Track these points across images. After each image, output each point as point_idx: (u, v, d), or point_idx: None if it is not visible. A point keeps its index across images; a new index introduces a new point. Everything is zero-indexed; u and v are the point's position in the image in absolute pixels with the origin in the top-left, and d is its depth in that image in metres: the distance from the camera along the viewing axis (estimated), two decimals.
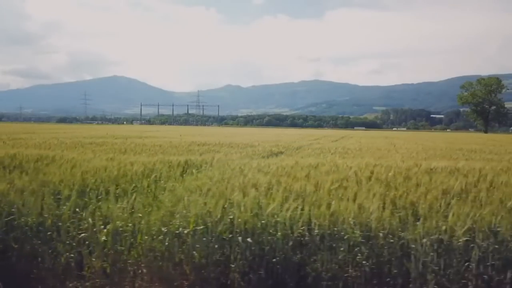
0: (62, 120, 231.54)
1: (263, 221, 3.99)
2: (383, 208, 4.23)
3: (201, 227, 3.97)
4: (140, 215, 4.13)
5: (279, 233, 3.95)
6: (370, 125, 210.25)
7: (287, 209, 4.01)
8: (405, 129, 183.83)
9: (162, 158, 7.51)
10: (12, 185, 4.64)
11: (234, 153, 11.94)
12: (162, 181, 5.55)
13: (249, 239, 3.89)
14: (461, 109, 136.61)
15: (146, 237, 3.96)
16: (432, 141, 30.02)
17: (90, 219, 4.03)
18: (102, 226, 4.05)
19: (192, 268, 3.96)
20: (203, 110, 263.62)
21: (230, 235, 3.96)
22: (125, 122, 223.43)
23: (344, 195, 4.61)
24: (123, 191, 5.04)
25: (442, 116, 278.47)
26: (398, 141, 28.60)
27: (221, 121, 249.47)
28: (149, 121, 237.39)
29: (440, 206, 4.35)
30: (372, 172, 6.21)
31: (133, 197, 4.38)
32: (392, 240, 3.91)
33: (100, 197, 4.73)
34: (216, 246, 3.95)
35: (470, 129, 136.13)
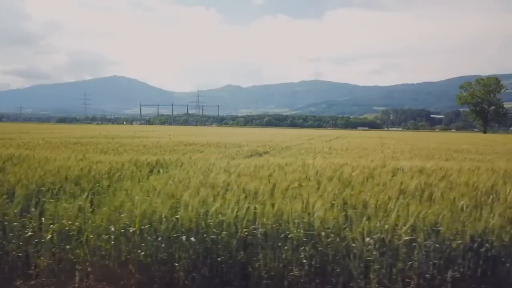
0: (62, 120, 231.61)
1: (208, 221, 4.01)
2: (332, 207, 4.26)
3: (147, 226, 3.99)
4: (89, 214, 4.16)
5: (224, 232, 3.98)
6: (372, 125, 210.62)
7: (233, 208, 4.03)
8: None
9: (133, 157, 7.52)
10: None
11: (216, 153, 11.96)
12: (124, 181, 5.57)
13: (192, 238, 3.92)
14: (461, 109, 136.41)
15: (91, 236, 3.98)
16: (425, 141, 29.99)
17: (37, 218, 4.05)
18: (51, 225, 4.07)
19: (138, 267, 3.99)
20: (202, 110, 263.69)
21: (175, 234, 3.99)
22: (124, 122, 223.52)
23: (297, 195, 4.63)
24: (82, 190, 5.06)
25: (442, 116, 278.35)
26: (390, 141, 28.60)
27: (221, 121, 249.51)
28: (148, 121, 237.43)
29: (389, 205, 4.36)
30: (336, 172, 6.23)
31: (84, 196, 4.40)
32: (335, 239, 3.93)
33: (57, 196, 4.76)
34: (162, 245, 3.98)
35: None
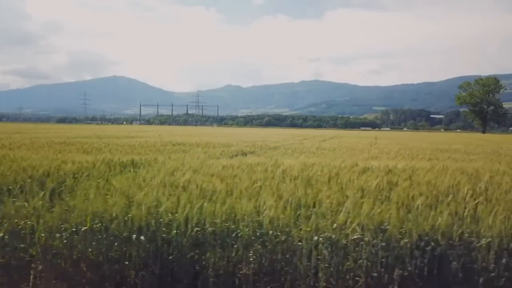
0: (62, 120, 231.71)
1: (159, 219, 4.04)
2: (285, 206, 4.29)
3: (98, 225, 4.03)
4: (43, 213, 4.19)
5: (174, 231, 4.01)
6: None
7: (184, 208, 4.07)
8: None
9: (106, 157, 7.56)
10: None
11: (201, 153, 12.00)
12: (88, 181, 5.60)
13: (142, 237, 3.95)
14: (461, 109, 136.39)
15: (42, 234, 4.02)
16: (419, 141, 30.01)
17: None
18: (4, 224, 4.11)
19: (89, 266, 4.02)
20: (202, 110, 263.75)
21: (126, 233, 4.02)
22: (124, 123, 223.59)
23: (255, 194, 4.67)
24: (46, 189, 5.09)
25: (442, 116, 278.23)
26: (384, 141, 28.64)
27: (221, 121, 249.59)
28: (148, 121, 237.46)
29: (345, 204, 4.39)
30: (303, 172, 6.27)
31: (41, 195, 4.44)
32: (283, 238, 3.96)
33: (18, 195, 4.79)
34: (113, 243, 4.01)
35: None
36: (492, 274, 3.92)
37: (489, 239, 3.90)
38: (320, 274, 3.94)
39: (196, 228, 4.06)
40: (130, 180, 5.29)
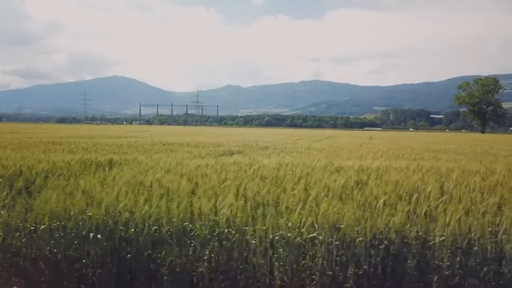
0: (62, 120, 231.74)
1: (117, 218, 4.08)
2: (245, 205, 4.32)
3: (56, 223, 4.06)
4: (2, 212, 4.22)
5: (131, 230, 4.04)
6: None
7: (142, 206, 4.10)
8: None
9: (83, 157, 7.59)
10: None
11: (186, 153, 12.03)
12: (60, 180, 5.63)
13: (99, 236, 3.98)
14: (461, 109, 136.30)
15: (1, 233, 4.05)
16: (414, 141, 30.02)
17: None
18: None
19: (48, 264, 4.05)
20: (202, 110, 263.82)
21: (85, 232, 4.05)
22: (124, 122, 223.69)
23: (217, 193, 4.70)
24: (14, 188, 5.12)
25: (441, 116, 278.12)
26: (379, 141, 28.67)
27: (221, 121, 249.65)
28: (148, 121, 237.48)
29: (306, 203, 4.42)
30: (276, 171, 6.30)
31: (5, 194, 4.47)
32: (239, 237, 3.99)
33: None
34: (71, 242, 4.04)
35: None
36: (447, 273, 3.96)
37: (443, 238, 3.93)
38: (276, 273, 3.97)
39: (154, 227, 4.09)
40: (97, 180, 5.32)
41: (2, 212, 4.22)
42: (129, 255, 4.06)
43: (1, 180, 5.46)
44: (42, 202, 4.26)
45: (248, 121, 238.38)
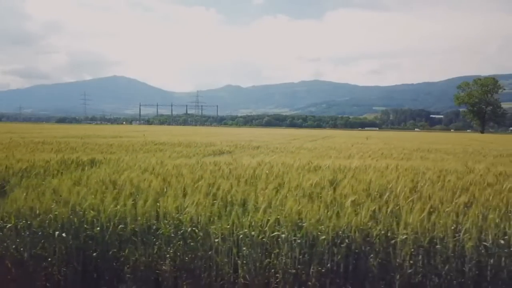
0: (62, 120, 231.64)
1: (83, 217, 4.11)
2: (212, 204, 4.35)
3: (22, 222, 4.09)
4: None
5: (97, 228, 4.08)
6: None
7: (107, 205, 4.13)
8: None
9: (63, 156, 7.63)
10: None
11: (175, 153, 12.06)
12: (35, 179, 5.66)
13: (63, 234, 4.01)
14: (461, 109, 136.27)
15: None
16: (410, 142, 30.01)
17: None
18: None
19: (14, 263, 4.08)
20: (201, 110, 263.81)
21: (51, 230, 4.08)
22: (124, 122, 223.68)
23: (188, 192, 4.73)
24: None
25: (441, 116, 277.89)
26: (373, 141, 28.70)
27: (221, 121, 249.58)
28: (148, 121, 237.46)
29: (273, 202, 4.45)
30: (253, 170, 6.33)
31: None
32: (203, 235, 4.02)
33: None
34: (38, 241, 4.07)
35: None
36: (409, 271, 3.99)
37: (405, 236, 3.96)
38: (239, 271, 4.00)
39: (121, 226, 4.12)
40: (71, 179, 5.35)
41: None
42: (95, 254, 4.09)
43: None
44: (10, 201, 4.29)
45: (248, 121, 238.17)
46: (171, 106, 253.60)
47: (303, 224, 3.99)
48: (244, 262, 3.97)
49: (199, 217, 4.08)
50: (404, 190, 5.11)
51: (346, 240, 3.94)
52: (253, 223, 4.00)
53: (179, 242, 4.03)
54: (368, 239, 4.01)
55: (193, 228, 4.02)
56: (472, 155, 14.43)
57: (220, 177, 5.77)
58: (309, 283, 3.94)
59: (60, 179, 5.26)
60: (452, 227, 4.07)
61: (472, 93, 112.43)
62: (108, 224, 4.07)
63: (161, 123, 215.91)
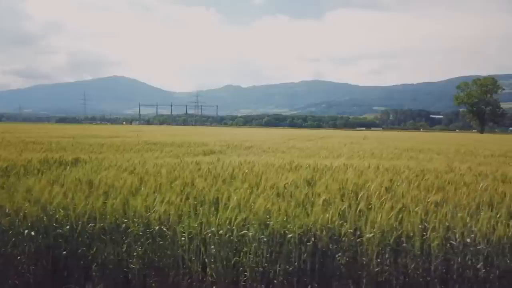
0: (62, 120, 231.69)
1: (52, 215, 4.13)
2: (182, 201, 4.37)
3: None
4: None
5: (66, 227, 4.10)
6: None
7: (77, 204, 4.15)
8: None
9: (47, 155, 7.66)
10: None
11: (164, 152, 12.08)
12: (12, 178, 5.69)
13: (32, 233, 4.03)
14: (461, 109, 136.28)
15: None
16: (405, 142, 29.99)
17: None
18: None
19: None
20: (201, 110, 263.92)
21: (21, 230, 4.10)
22: (124, 122, 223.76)
23: (161, 191, 4.75)
24: None
25: (441, 116, 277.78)
26: (370, 140, 28.73)
27: (221, 121, 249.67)
28: (148, 121, 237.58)
29: (245, 200, 4.47)
30: (233, 168, 6.37)
31: None
32: (170, 234, 4.04)
33: None
34: (8, 239, 4.09)
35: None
36: (376, 269, 4.01)
37: (371, 235, 3.98)
38: (207, 269, 4.02)
39: (91, 224, 4.15)
40: (48, 178, 5.38)
41: None
42: (64, 252, 4.11)
43: None
44: None
45: (248, 121, 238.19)
46: (171, 106, 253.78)
47: (269, 223, 4.01)
48: (212, 260, 3.99)
49: (169, 216, 4.10)
50: (379, 189, 5.14)
51: (313, 239, 3.96)
52: (221, 222, 4.02)
53: (148, 241, 4.06)
54: (335, 237, 4.03)
55: (162, 227, 4.04)
56: (464, 155, 14.44)
57: (198, 177, 5.80)
58: (275, 281, 3.96)
59: (36, 179, 5.28)
60: (420, 226, 4.10)
61: (471, 93, 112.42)
62: (77, 222, 4.08)
63: (161, 123, 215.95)
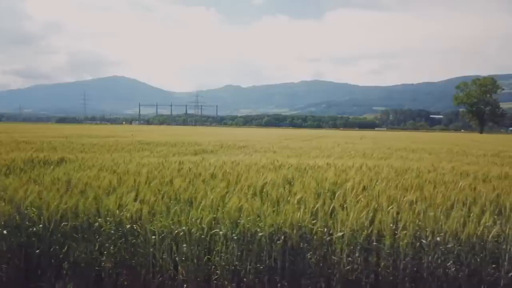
0: (62, 120, 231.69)
1: (24, 214, 4.15)
2: (156, 200, 4.40)
3: None
4: None
5: (39, 226, 4.12)
6: (378, 125, 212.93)
7: (50, 202, 4.17)
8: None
9: (33, 155, 7.69)
10: None
11: (155, 152, 12.11)
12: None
13: (5, 231, 4.06)
14: (460, 110, 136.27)
15: None
16: (401, 141, 30.03)
17: None
18: None
19: None
20: (201, 110, 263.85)
21: None
22: (124, 122, 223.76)
23: (139, 189, 4.78)
24: None
25: (441, 116, 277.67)
26: (366, 140, 28.76)
27: (221, 121, 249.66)
28: (148, 121, 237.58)
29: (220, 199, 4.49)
30: (215, 168, 6.40)
31: None
32: (141, 232, 4.07)
33: None
34: None
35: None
36: (347, 268, 4.03)
37: (342, 233, 4.00)
38: (179, 268, 4.04)
39: (64, 223, 4.17)
40: (30, 177, 5.40)
41: None
42: (37, 251, 4.13)
43: None
44: None
45: (247, 121, 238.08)
46: (171, 106, 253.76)
47: (240, 221, 4.03)
48: (183, 259, 4.01)
49: (141, 215, 4.12)
50: (356, 188, 5.17)
51: (282, 237, 3.98)
52: (192, 221, 4.04)
53: (120, 239, 4.08)
54: (307, 236, 4.05)
55: (133, 226, 4.06)
56: (455, 155, 14.46)
57: (179, 176, 5.82)
58: (245, 279, 3.98)
59: (15, 178, 5.31)
60: (391, 225, 4.12)
61: (470, 93, 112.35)
62: (50, 221, 4.11)
63: (161, 123, 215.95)
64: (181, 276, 4.02)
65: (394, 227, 4.11)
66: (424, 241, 4.04)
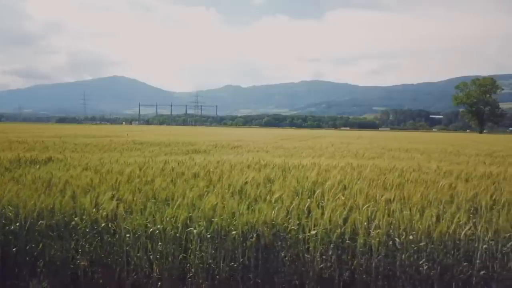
0: (62, 120, 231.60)
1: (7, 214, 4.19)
2: (134, 199, 4.43)
3: None
4: None
5: (16, 224, 4.16)
6: (377, 125, 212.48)
7: (26, 201, 4.21)
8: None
9: (20, 154, 7.73)
10: None
11: (146, 152, 12.15)
12: None
13: None
14: (460, 110, 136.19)
15: None
16: (398, 141, 30.05)
17: None
18: None
19: None
20: (201, 110, 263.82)
21: None
22: (123, 123, 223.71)
23: (119, 188, 4.81)
24: None
25: (441, 116, 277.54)
26: (363, 140, 28.80)
27: (221, 121, 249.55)
28: (147, 122, 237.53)
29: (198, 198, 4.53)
30: (199, 167, 6.43)
31: None
32: (118, 231, 4.10)
33: None
34: None
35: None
36: (320, 266, 4.06)
37: (314, 232, 4.03)
38: (154, 266, 4.08)
39: (40, 221, 4.20)
40: (12, 176, 5.44)
41: None
42: (14, 249, 4.17)
43: None
44: None
45: (247, 122, 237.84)
46: (171, 106, 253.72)
47: (213, 220, 4.06)
48: (158, 257, 4.05)
49: (116, 213, 4.16)
50: (336, 187, 5.20)
51: (254, 235, 4.01)
52: (166, 219, 4.08)
53: (96, 238, 4.11)
54: (281, 234, 4.09)
55: (108, 224, 4.10)
56: (448, 154, 14.49)
57: (162, 175, 5.86)
58: (218, 276, 4.01)
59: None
60: (365, 223, 4.15)
61: (470, 93, 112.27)
62: (26, 219, 4.14)
63: (161, 123, 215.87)
64: (155, 274, 4.05)
65: (367, 225, 4.15)
66: (397, 239, 4.07)
